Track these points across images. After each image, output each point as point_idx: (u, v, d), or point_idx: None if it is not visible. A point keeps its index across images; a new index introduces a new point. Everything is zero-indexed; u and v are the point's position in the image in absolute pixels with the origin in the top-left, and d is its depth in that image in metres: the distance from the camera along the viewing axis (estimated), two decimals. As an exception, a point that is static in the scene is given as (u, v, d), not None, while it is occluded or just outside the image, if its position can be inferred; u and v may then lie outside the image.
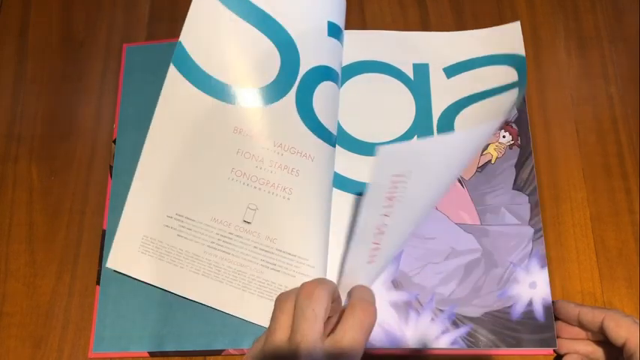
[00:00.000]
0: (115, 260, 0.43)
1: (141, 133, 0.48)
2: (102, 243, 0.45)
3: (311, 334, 0.30)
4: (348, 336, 0.31)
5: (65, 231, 0.47)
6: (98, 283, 0.44)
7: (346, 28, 0.52)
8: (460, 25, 0.53)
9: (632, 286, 0.44)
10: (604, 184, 0.48)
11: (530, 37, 0.52)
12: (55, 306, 0.45)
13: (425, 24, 0.53)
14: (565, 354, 0.41)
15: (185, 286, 0.42)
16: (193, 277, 0.42)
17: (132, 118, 0.49)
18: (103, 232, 0.46)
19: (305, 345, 0.30)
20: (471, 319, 0.42)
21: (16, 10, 0.54)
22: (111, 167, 0.48)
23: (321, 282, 0.33)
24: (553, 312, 0.42)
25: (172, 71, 0.46)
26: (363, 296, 0.35)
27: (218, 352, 0.42)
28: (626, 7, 0.54)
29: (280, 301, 0.33)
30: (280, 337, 0.31)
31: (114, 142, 0.48)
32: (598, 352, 0.40)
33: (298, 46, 0.46)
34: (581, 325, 0.40)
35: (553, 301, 0.42)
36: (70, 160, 0.49)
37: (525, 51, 0.51)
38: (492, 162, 0.46)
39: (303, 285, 0.33)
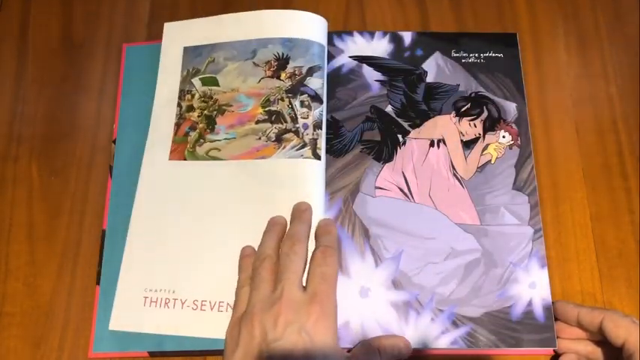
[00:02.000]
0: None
1: (141, 133, 0.48)
2: (102, 243, 0.45)
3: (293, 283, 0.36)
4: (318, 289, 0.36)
5: (65, 231, 0.47)
6: (98, 283, 0.44)
7: (347, 29, 0.52)
8: (460, 25, 0.53)
9: (632, 286, 0.44)
10: (604, 184, 0.48)
11: (530, 37, 0.52)
12: (55, 306, 0.45)
13: (425, 24, 0.53)
14: (563, 354, 0.41)
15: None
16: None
17: (132, 118, 0.49)
18: (103, 232, 0.46)
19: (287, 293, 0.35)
20: (471, 319, 0.42)
21: (16, 10, 0.54)
22: (111, 167, 0.48)
23: (298, 238, 0.39)
24: (553, 312, 0.42)
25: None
26: (322, 242, 0.39)
27: (218, 352, 0.42)
28: (626, 7, 0.54)
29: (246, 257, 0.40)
30: (267, 288, 0.37)
31: (114, 142, 0.48)
32: (597, 352, 0.40)
33: None
34: (580, 326, 0.40)
35: (553, 302, 0.42)
36: (70, 160, 0.49)
37: (525, 51, 0.51)
38: (492, 162, 0.46)
39: (283, 241, 0.39)
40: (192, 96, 0.48)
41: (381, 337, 0.40)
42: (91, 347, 0.43)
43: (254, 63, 0.48)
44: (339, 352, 0.36)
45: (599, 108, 0.50)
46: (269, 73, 0.47)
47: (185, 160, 0.46)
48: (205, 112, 0.47)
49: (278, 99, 0.46)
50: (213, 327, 0.41)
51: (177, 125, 0.47)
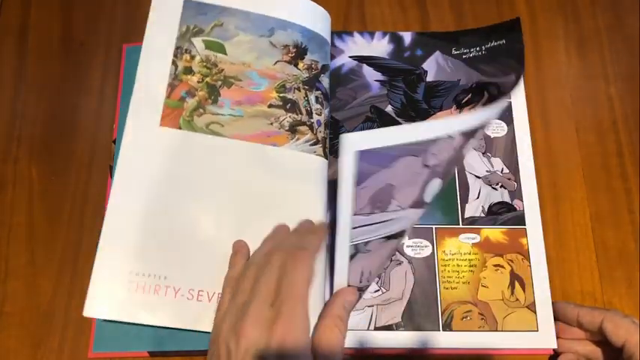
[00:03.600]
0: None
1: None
2: None
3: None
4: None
5: (65, 231, 0.47)
6: None
7: (347, 29, 0.52)
8: (460, 25, 0.53)
9: (632, 286, 0.44)
10: (604, 184, 0.48)
11: (530, 37, 0.52)
12: (55, 306, 0.45)
13: (425, 24, 0.53)
14: (562, 353, 0.41)
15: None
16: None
17: None
18: None
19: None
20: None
21: (16, 11, 0.54)
22: (111, 167, 0.48)
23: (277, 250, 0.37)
24: (553, 313, 0.42)
25: None
26: (301, 242, 0.37)
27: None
28: (626, 8, 0.54)
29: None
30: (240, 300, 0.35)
31: (114, 142, 0.48)
32: (597, 352, 0.40)
33: None
34: (580, 326, 0.40)
35: (553, 302, 0.42)
36: (70, 160, 0.49)
37: (525, 51, 0.51)
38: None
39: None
40: (192, 57, 0.44)
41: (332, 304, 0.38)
42: (91, 347, 0.43)
43: (271, 42, 0.45)
44: None
45: (599, 108, 0.50)
46: (286, 58, 0.45)
47: (180, 129, 0.42)
48: (208, 79, 0.44)
49: (295, 88, 0.44)
50: (210, 321, 0.38)
51: (172, 87, 0.43)
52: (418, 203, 0.38)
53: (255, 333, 0.32)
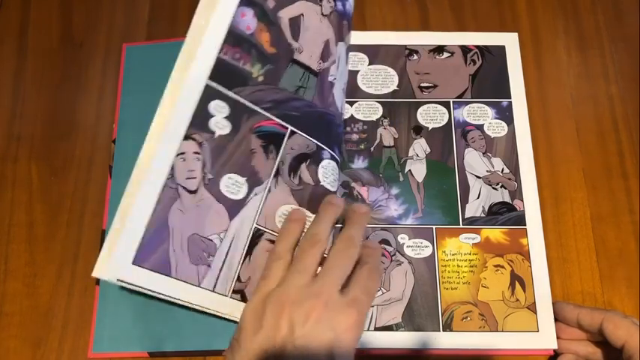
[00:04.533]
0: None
1: (141, 133, 0.48)
2: (102, 243, 0.45)
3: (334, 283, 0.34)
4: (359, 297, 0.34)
5: (65, 231, 0.47)
6: (98, 283, 0.44)
7: (346, 28, 0.52)
8: (460, 25, 0.53)
9: (632, 286, 0.44)
10: (604, 184, 0.48)
11: (531, 37, 0.52)
12: (55, 306, 0.45)
13: (425, 24, 0.53)
14: (562, 354, 0.41)
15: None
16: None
17: (132, 118, 0.49)
18: (103, 232, 0.46)
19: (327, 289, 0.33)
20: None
21: (16, 10, 0.54)
22: (111, 167, 0.48)
23: (354, 241, 0.36)
24: (553, 313, 0.42)
25: None
26: (367, 261, 0.36)
27: (218, 353, 0.42)
28: (626, 7, 0.54)
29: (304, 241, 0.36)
30: (306, 278, 0.34)
31: (114, 142, 0.48)
32: (597, 353, 0.40)
33: None
34: (580, 327, 0.40)
35: (553, 303, 0.42)
36: (70, 160, 0.49)
37: (526, 51, 0.51)
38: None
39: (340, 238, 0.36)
40: None
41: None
42: (91, 347, 0.43)
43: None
44: None
45: (599, 108, 0.50)
46: None
47: None
48: None
49: None
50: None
51: None
52: None
53: (325, 315, 0.32)
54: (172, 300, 0.37)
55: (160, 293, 0.36)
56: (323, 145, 0.43)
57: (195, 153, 0.37)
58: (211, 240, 0.38)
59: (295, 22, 0.42)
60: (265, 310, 0.32)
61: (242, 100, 0.39)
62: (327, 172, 0.43)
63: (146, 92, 0.49)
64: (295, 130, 0.40)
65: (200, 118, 0.38)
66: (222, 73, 0.38)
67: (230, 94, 0.38)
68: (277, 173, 0.39)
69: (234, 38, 0.39)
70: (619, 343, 0.37)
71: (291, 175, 0.40)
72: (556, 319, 0.42)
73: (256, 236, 0.39)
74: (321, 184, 0.41)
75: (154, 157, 0.37)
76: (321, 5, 0.43)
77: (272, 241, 0.39)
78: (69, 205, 0.47)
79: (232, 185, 0.38)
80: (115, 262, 0.35)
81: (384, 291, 0.43)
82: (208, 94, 0.38)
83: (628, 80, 0.51)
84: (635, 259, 0.45)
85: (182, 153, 0.37)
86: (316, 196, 0.41)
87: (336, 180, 0.44)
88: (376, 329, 0.42)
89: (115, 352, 0.42)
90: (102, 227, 0.46)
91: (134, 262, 0.36)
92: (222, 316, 0.38)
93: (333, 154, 0.44)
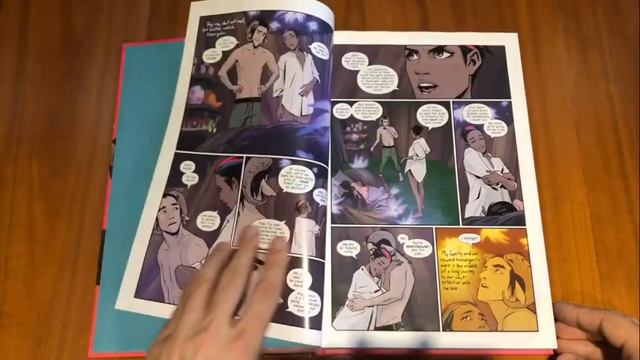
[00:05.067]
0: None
1: (141, 133, 0.48)
2: (102, 243, 0.45)
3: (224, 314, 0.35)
4: (250, 326, 0.35)
5: (65, 231, 0.47)
6: (98, 283, 0.44)
7: (347, 28, 0.52)
8: (460, 25, 0.53)
9: (632, 286, 0.44)
10: (604, 184, 0.48)
11: (530, 37, 0.52)
12: (55, 306, 0.45)
13: (425, 24, 0.53)
14: (561, 353, 0.41)
15: None
16: None
17: (132, 118, 0.49)
18: (103, 232, 0.46)
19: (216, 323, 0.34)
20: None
21: (16, 10, 0.54)
22: (111, 167, 0.48)
23: (238, 271, 0.38)
24: (553, 313, 0.42)
25: None
26: (266, 277, 0.38)
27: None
28: (626, 7, 0.54)
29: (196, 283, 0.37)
30: (196, 316, 0.35)
31: (114, 142, 0.48)
32: (597, 352, 0.40)
33: None
34: (580, 327, 0.40)
35: (552, 303, 0.42)
36: (70, 160, 0.49)
37: (525, 51, 0.51)
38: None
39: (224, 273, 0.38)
40: None
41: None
42: (91, 347, 0.43)
43: None
44: None
45: (599, 108, 0.50)
46: None
47: None
48: None
49: None
50: None
51: None
52: None
53: (214, 346, 0.33)
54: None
55: (158, 317, 0.42)
56: (279, 156, 0.45)
57: (173, 204, 0.46)
58: (194, 267, 0.44)
59: (232, 71, 0.49)
60: (162, 350, 0.34)
61: (204, 153, 0.47)
62: (290, 178, 0.44)
63: (146, 92, 0.49)
64: (249, 155, 0.45)
65: (174, 178, 0.46)
66: (186, 140, 0.48)
67: (194, 153, 0.47)
68: (242, 197, 0.44)
69: (190, 112, 0.49)
70: (618, 342, 0.37)
71: (253, 194, 0.44)
72: (556, 319, 0.42)
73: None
74: (285, 191, 0.44)
75: (142, 214, 0.45)
76: (251, 41, 0.49)
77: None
78: (69, 205, 0.47)
79: (207, 220, 0.45)
80: (123, 296, 0.43)
81: (384, 291, 0.43)
82: (178, 159, 0.47)
83: (628, 80, 0.51)
84: (635, 259, 0.45)
85: (163, 207, 0.45)
86: (281, 204, 0.43)
87: (304, 181, 0.44)
88: (376, 329, 0.42)
89: (115, 352, 0.42)
90: (102, 227, 0.46)
91: (135, 296, 0.43)
92: None
93: (296, 157, 0.44)
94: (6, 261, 0.46)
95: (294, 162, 0.44)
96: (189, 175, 0.46)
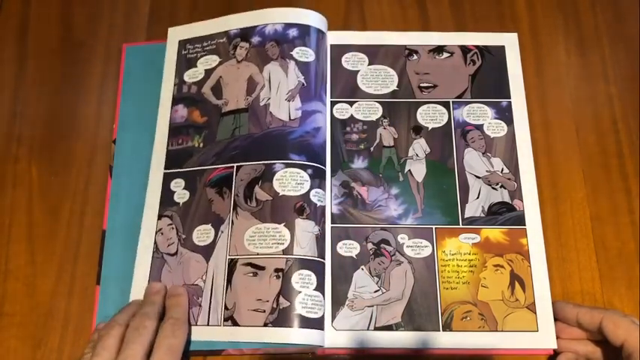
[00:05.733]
0: None
1: (141, 133, 0.48)
2: (102, 243, 0.45)
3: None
4: None
5: (65, 231, 0.47)
6: (98, 283, 0.44)
7: (347, 28, 0.52)
8: (460, 25, 0.53)
9: (632, 286, 0.44)
10: (604, 184, 0.48)
11: (530, 37, 0.52)
12: (55, 306, 0.45)
13: (425, 24, 0.53)
14: (561, 353, 0.41)
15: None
16: None
17: (132, 118, 0.49)
18: (103, 232, 0.46)
19: None
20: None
21: (16, 10, 0.54)
22: (111, 167, 0.48)
23: (148, 315, 0.38)
24: (552, 312, 0.42)
25: None
26: (172, 314, 0.39)
27: (218, 352, 0.42)
28: (626, 8, 0.54)
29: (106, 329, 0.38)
30: (108, 357, 0.36)
31: (114, 142, 0.48)
32: (597, 352, 0.40)
33: None
34: (580, 326, 0.40)
35: (552, 302, 0.42)
36: (70, 160, 0.49)
37: (525, 51, 0.51)
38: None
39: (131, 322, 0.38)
40: None
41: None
42: (91, 347, 0.43)
43: None
44: None
45: (599, 108, 0.50)
46: None
47: None
48: None
49: None
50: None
51: None
52: None
53: None
54: None
55: None
56: (272, 161, 0.45)
57: (169, 225, 0.45)
58: (197, 284, 0.43)
59: (217, 86, 0.49)
60: None
61: (192, 169, 0.47)
62: (286, 181, 0.44)
63: (146, 92, 0.49)
64: (240, 164, 0.45)
65: (166, 198, 0.46)
66: (173, 159, 0.48)
67: (182, 170, 0.47)
68: (235, 206, 0.44)
69: (175, 130, 0.49)
70: (618, 341, 0.37)
71: (247, 201, 0.44)
72: (556, 319, 0.42)
73: (232, 265, 0.43)
74: (281, 194, 0.44)
75: (140, 239, 0.45)
76: (234, 57, 0.49)
77: (245, 264, 0.43)
78: (69, 205, 0.47)
79: (202, 234, 0.45)
80: None
81: (384, 291, 0.43)
82: (167, 178, 0.47)
83: (627, 80, 0.51)
84: (635, 259, 0.45)
85: (160, 229, 0.45)
86: (278, 208, 0.43)
87: (300, 183, 0.44)
88: (376, 329, 0.42)
89: (115, 351, 0.42)
90: (102, 227, 0.46)
91: None
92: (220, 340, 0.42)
93: (290, 160, 0.45)
94: (6, 261, 0.46)
95: (287, 165, 0.44)
96: (180, 192, 0.46)
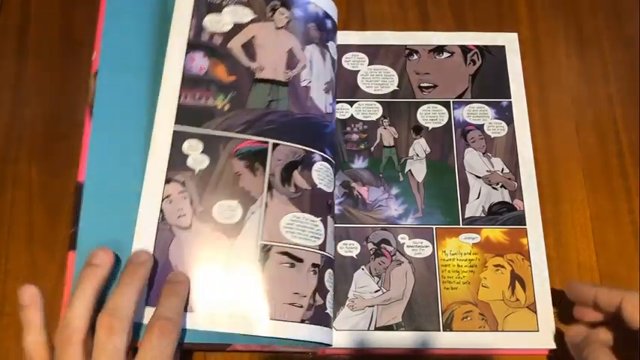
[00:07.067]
0: None
1: (133, 71, 0.43)
2: (77, 199, 0.41)
3: None
4: None
5: (65, 231, 0.47)
6: (73, 247, 0.41)
7: (346, 29, 0.52)
8: (460, 25, 0.53)
9: (632, 286, 0.44)
10: (604, 184, 0.48)
11: (530, 37, 0.52)
12: (55, 306, 0.45)
13: (425, 24, 0.53)
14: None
15: None
16: None
17: (120, 49, 0.43)
18: (80, 186, 0.42)
19: None
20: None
21: (16, 10, 0.54)
22: (90, 107, 0.43)
23: (118, 316, 0.33)
24: (567, 293, 0.41)
25: None
26: (161, 313, 0.34)
27: (222, 348, 0.42)
28: (626, 8, 0.54)
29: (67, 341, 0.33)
30: None
31: (94, 75, 0.44)
32: (609, 335, 0.38)
33: None
34: (596, 307, 0.38)
35: (568, 283, 0.41)
36: (70, 160, 0.49)
37: (525, 51, 0.51)
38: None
39: (100, 317, 0.33)
40: None
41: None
42: (91, 347, 0.42)
43: None
44: None
45: (599, 108, 0.50)
46: None
47: None
48: None
49: None
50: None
51: None
52: None
53: None
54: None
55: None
56: (312, 149, 0.43)
57: (181, 192, 0.39)
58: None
59: (249, 45, 0.44)
60: None
61: (213, 132, 0.41)
62: (322, 175, 0.43)
63: (144, 21, 0.44)
64: (277, 141, 0.41)
65: (177, 160, 0.40)
66: (187, 115, 0.41)
67: (200, 130, 0.41)
68: (270, 187, 0.40)
69: (190, 82, 0.42)
70: (637, 325, 0.35)
71: (285, 184, 0.41)
72: (571, 300, 0.40)
73: (265, 252, 0.39)
74: (318, 187, 0.42)
75: (142, 204, 0.39)
76: (273, 20, 0.44)
77: (282, 253, 0.39)
78: (69, 206, 0.47)
79: (225, 211, 0.39)
80: None
81: (384, 291, 0.43)
82: (178, 138, 0.40)
83: (627, 80, 0.51)
84: (635, 259, 0.45)
85: (168, 196, 0.39)
86: (316, 199, 0.42)
87: (331, 181, 0.44)
88: (376, 329, 0.42)
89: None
90: (78, 179, 0.45)
91: (148, 304, 0.38)
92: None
93: (325, 155, 0.44)
94: (6, 261, 0.46)
95: (324, 159, 0.43)
96: (197, 157, 0.40)
